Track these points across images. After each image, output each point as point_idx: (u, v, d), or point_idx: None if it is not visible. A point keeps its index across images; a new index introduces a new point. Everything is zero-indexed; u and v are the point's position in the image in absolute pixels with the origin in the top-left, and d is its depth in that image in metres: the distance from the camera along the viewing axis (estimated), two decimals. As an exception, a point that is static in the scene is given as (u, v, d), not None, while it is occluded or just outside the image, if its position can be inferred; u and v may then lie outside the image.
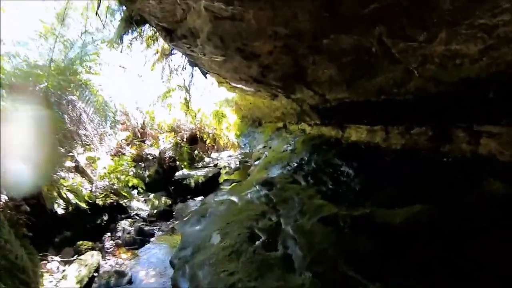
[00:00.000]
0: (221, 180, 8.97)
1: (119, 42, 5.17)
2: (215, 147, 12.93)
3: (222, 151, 13.30)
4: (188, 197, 7.36)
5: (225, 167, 11.04)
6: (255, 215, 4.69)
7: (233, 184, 8.44)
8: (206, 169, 9.38)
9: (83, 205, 4.28)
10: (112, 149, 6.58)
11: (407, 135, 4.60)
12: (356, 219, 3.79)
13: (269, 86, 6.46)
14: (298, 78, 4.71)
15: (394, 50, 2.58)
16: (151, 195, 6.43)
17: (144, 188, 6.12)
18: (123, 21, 4.98)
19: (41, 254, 3.78)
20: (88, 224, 4.73)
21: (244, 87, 7.89)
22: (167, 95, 9.17)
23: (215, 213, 5.26)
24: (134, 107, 7.97)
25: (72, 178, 4.64)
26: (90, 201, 4.67)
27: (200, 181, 7.85)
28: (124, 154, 6.80)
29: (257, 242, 3.90)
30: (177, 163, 8.46)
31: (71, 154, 4.74)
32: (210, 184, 8.10)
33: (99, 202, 4.94)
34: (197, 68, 7.50)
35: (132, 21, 5.02)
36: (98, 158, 5.53)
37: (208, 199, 6.52)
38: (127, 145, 7.12)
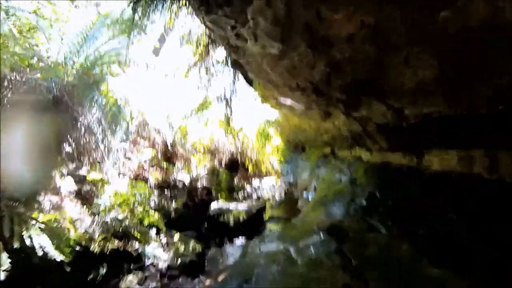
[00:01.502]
0: (266, 216, 7.08)
1: (144, 23, 3.77)
2: (256, 173, 11.16)
3: (263, 179, 11.46)
4: (226, 239, 5.63)
5: (269, 199, 9.17)
6: (334, 292, 2.70)
7: (281, 223, 6.55)
8: (248, 201, 7.58)
9: (59, 254, 2.62)
10: (131, 171, 5.07)
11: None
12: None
13: (328, 100, 5.10)
14: (371, 87, 3.55)
15: None
16: (176, 236, 4.70)
17: (165, 227, 4.41)
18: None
19: None
20: (73, 281, 3.06)
21: (293, 103, 6.42)
22: (203, 107, 7.62)
23: (265, 278, 3.37)
24: (163, 119, 6.48)
25: (54, 210, 3.07)
26: (79, 247, 3.04)
27: (241, 219, 6.05)
28: (146, 178, 5.26)
29: None
30: (213, 194, 6.75)
31: (57, 172, 3.22)
32: (254, 223, 6.25)
33: (95, 248, 3.29)
34: (239, 75, 6.05)
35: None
36: (107, 182, 4.01)
37: (252, 246, 4.66)
38: (152, 166, 5.59)
